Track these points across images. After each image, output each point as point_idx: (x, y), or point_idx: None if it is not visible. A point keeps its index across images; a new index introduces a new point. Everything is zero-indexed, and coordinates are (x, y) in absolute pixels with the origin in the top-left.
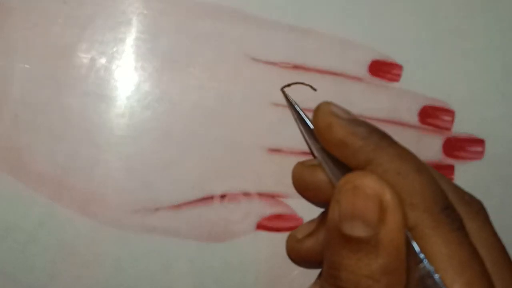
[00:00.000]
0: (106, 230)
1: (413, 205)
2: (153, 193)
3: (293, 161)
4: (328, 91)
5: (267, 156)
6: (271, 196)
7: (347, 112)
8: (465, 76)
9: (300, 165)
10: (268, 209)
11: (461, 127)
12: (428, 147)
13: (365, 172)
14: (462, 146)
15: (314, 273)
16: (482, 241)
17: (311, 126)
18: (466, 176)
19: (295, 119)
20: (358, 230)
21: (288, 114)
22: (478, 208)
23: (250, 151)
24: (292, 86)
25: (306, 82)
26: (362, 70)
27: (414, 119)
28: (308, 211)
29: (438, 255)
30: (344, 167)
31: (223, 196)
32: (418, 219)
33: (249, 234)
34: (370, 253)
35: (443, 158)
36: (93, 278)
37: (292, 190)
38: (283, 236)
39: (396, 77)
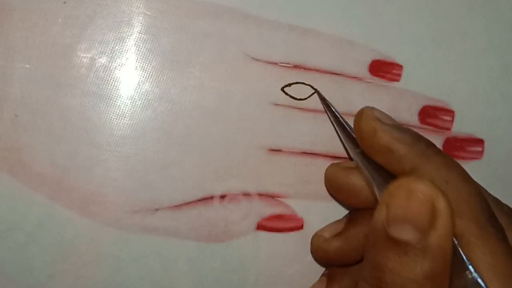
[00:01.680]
0: (106, 230)
1: (460, 213)
2: (153, 193)
3: (293, 161)
4: (328, 91)
5: (267, 156)
6: (271, 196)
7: (390, 117)
8: (465, 76)
9: (335, 166)
10: (268, 209)
11: (461, 127)
12: None
13: (418, 177)
14: (461, 146)
15: (314, 272)
16: None
17: (350, 130)
18: None
19: (332, 122)
20: (406, 234)
21: (288, 114)
22: None
23: (250, 151)
24: (292, 86)
25: (306, 82)
26: (362, 70)
27: (414, 119)
28: (308, 211)
29: (484, 264)
30: (385, 173)
31: (223, 196)
32: (465, 228)
33: (249, 234)
34: (416, 257)
35: None
36: (93, 278)
37: (292, 190)
38: (283, 236)
39: (396, 77)
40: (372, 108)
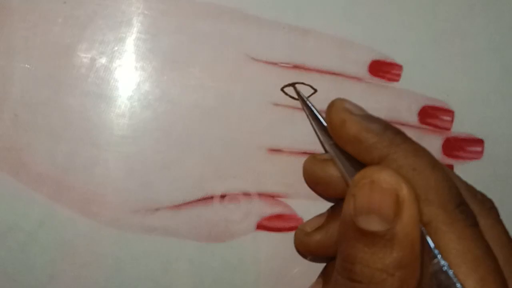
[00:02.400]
0: (106, 230)
1: (428, 201)
2: (153, 193)
3: (293, 161)
4: (328, 91)
5: (267, 156)
6: (271, 196)
7: (360, 108)
8: (465, 76)
9: (311, 158)
10: (268, 209)
11: (461, 127)
12: (427, 147)
13: (382, 167)
14: (461, 146)
15: (314, 272)
16: (494, 239)
17: (323, 122)
18: (465, 176)
19: (307, 115)
20: (373, 225)
21: (288, 114)
22: (490, 206)
23: (250, 151)
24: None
25: (306, 82)
26: (362, 70)
27: (413, 119)
28: (308, 211)
29: (452, 250)
30: (356, 163)
31: (223, 196)
32: (433, 215)
33: (249, 234)
34: (385, 247)
35: (442, 158)
36: (93, 278)
37: (292, 190)
38: (283, 236)
39: (396, 77)
40: (343, 99)
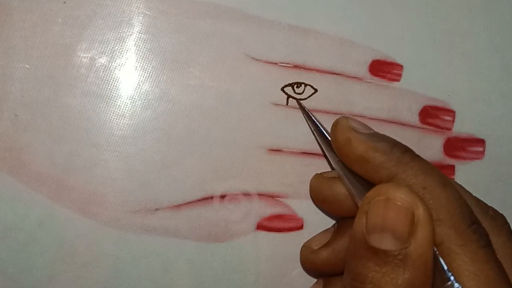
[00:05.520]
0: (106, 230)
1: (440, 221)
2: (153, 193)
3: (293, 161)
4: (328, 91)
5: (267, 156)
6: (271, 196)
7: (366, 126)
8: (465, 76)
9: (318, 177)
10: (268, 209)
11: (462, 127)
12: (428, 147)
13: (397, 184)
14: (462, 146)
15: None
16: (507, 257)
17: (330, 139)
18: (467, 176)
19: (313, 131)
20: (386, 243)
21: (288, 114)
22: (502, 222)
23: (250, 151)
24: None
25: (306, 82)
26: (362, 70)
27: (414, 119)
28: (308, 212)
29: (465, 272)
30: (364, 181)
31: (223, 196)
32: (445, 235)
33: (249, 234)
34: (397, 267)
35: (443, 158)
36: (92, 278)
37: (292, 190)
38: (283, 236)
39: (396, 77)
40: (347, 118)
